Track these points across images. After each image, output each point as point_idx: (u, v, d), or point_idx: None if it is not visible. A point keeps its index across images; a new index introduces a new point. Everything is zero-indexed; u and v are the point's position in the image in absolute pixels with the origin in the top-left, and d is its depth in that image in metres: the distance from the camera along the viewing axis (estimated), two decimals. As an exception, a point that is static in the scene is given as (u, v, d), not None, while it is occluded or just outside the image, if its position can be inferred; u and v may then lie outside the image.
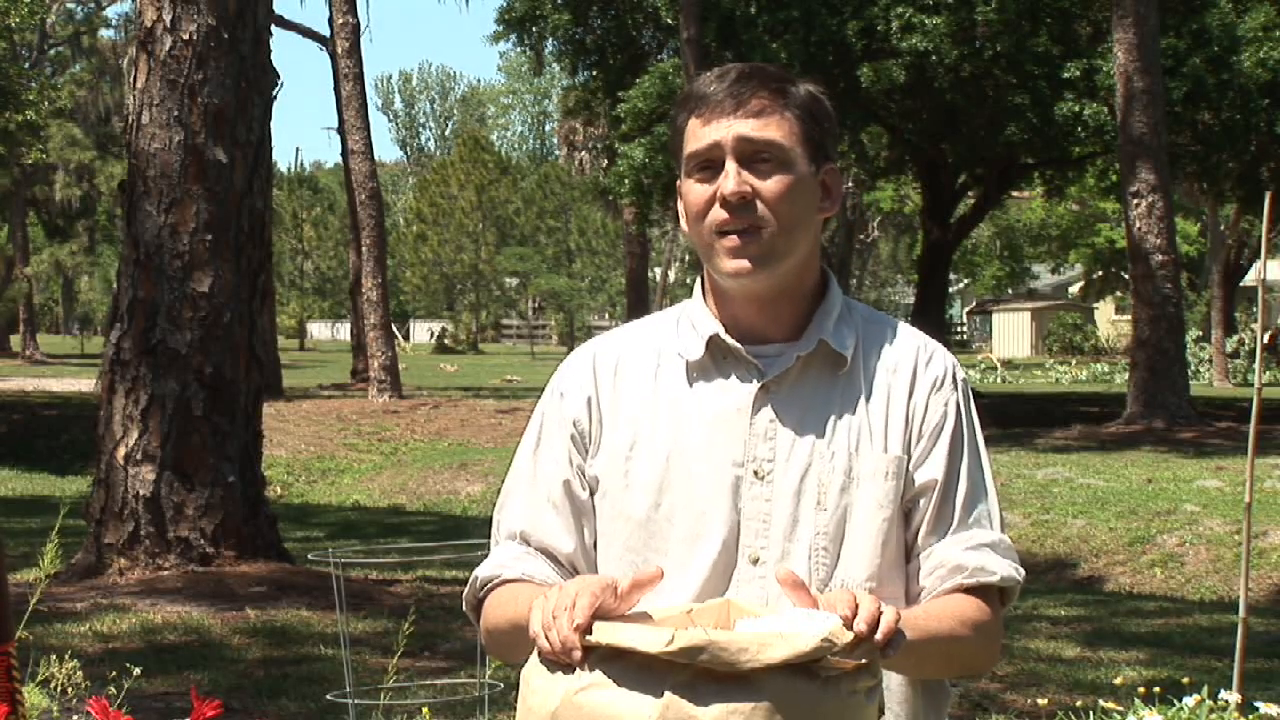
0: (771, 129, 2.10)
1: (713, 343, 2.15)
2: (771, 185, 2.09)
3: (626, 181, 25.34)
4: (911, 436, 2.15)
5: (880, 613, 1.80)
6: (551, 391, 2.24)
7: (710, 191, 2.10)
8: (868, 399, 2.14)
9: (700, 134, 2.12)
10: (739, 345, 2.14)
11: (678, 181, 2.21)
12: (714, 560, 2.10)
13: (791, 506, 2.10)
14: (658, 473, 2.13)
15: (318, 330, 77.56)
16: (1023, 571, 2.16)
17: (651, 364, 2.19)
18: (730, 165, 2.09)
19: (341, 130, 28.43)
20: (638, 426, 2.16)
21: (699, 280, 2.25)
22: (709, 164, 2.11)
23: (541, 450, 2.22)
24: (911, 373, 2.17)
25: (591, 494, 2.18)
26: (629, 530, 2.14)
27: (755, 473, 2.11)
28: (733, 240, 2.09)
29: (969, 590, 2.11)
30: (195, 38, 8.91)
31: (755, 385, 2.13)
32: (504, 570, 2.17)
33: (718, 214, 2.09)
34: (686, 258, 62.99)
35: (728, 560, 2.10)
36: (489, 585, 2.17)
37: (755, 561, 2.10)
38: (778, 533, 2.10)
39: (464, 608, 2.23)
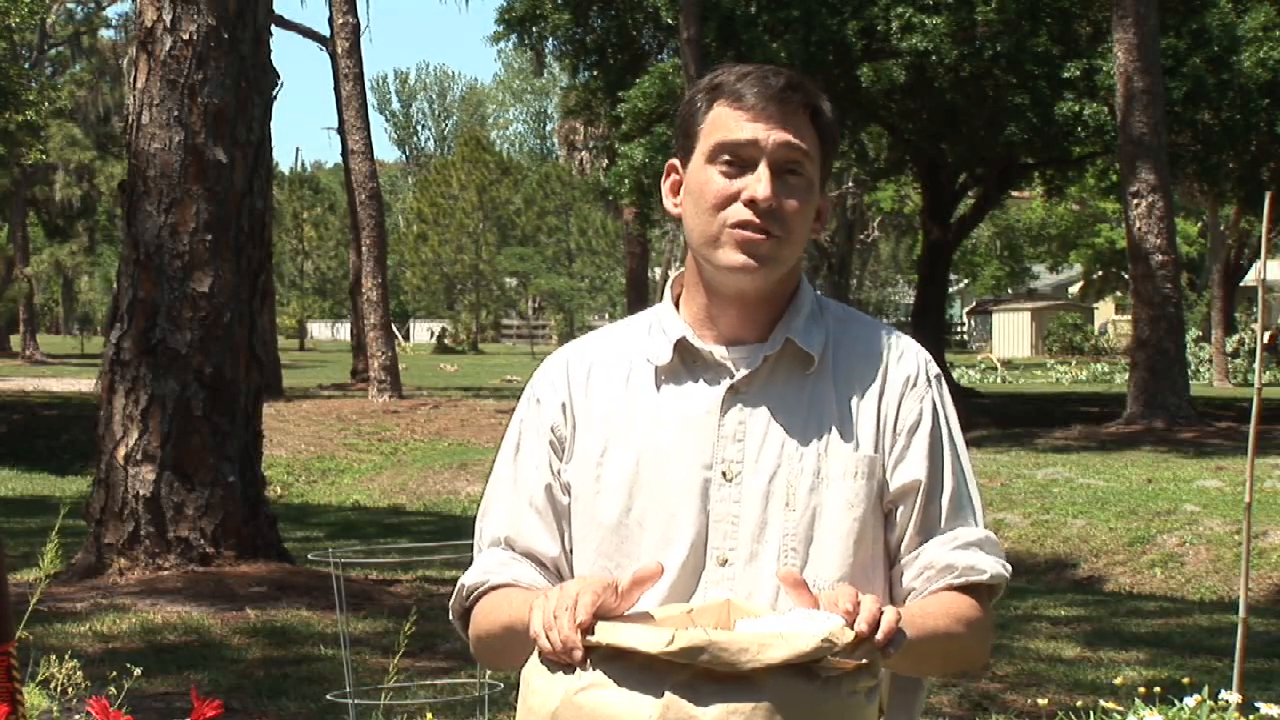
0: (807, 145, 2.11)
1: (680, 346, 2.16)
2: (794, 200, 2.10)
3: (626, 181, 25.34)
4: (885, 436, 2.14)
5: (881, 612, 1.80)
6: (528, 398, 2.25)
7: (734, 188, 2.09)
8: (838, 398, 2.14)
9: (738, 125, 2.10)
10: (706, 348, 2.15)
11: (674, 160, 2.19)
12: (683, 562, 2.10)
13: (760, 507, 2.10)
14: (628, 477, 2.14)
15: (318, 330, 77.57)
16: (1009, 567, 2.16)
17: (623, 369, 2.19)
18: (764, 170, 2.08)
19: (341, 130, 28.43)
20: (609, 432, 2.16)
21: (669, 284, 2.25)
22: (737, 158, 2.10)
23: (521, 456, 2.22)
24: (883, 371, 2.16)
25: (568, 498, 2.18)
26: (601, 535, 2.14)
27: (724, 474, 2.11)
28: (748, 235, 2.08)
29: (958, 589, 2.11)
30: (195, 38, 8.90)
31: (723, 387, 2.13)
32: (491, 576, 2.16)
33: (741, 213, 2.08)
34: (686, 257, 62.91)
35: (696, 562, 2.10)
36: (476, 592, 2.17)
37: (724, 563, 2.10)
38: (746, 534, 2.10)
39: (450, 617, 2.23)
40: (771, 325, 2.16)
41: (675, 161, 2.20)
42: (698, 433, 2.12)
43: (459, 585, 2.20)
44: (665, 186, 2.21)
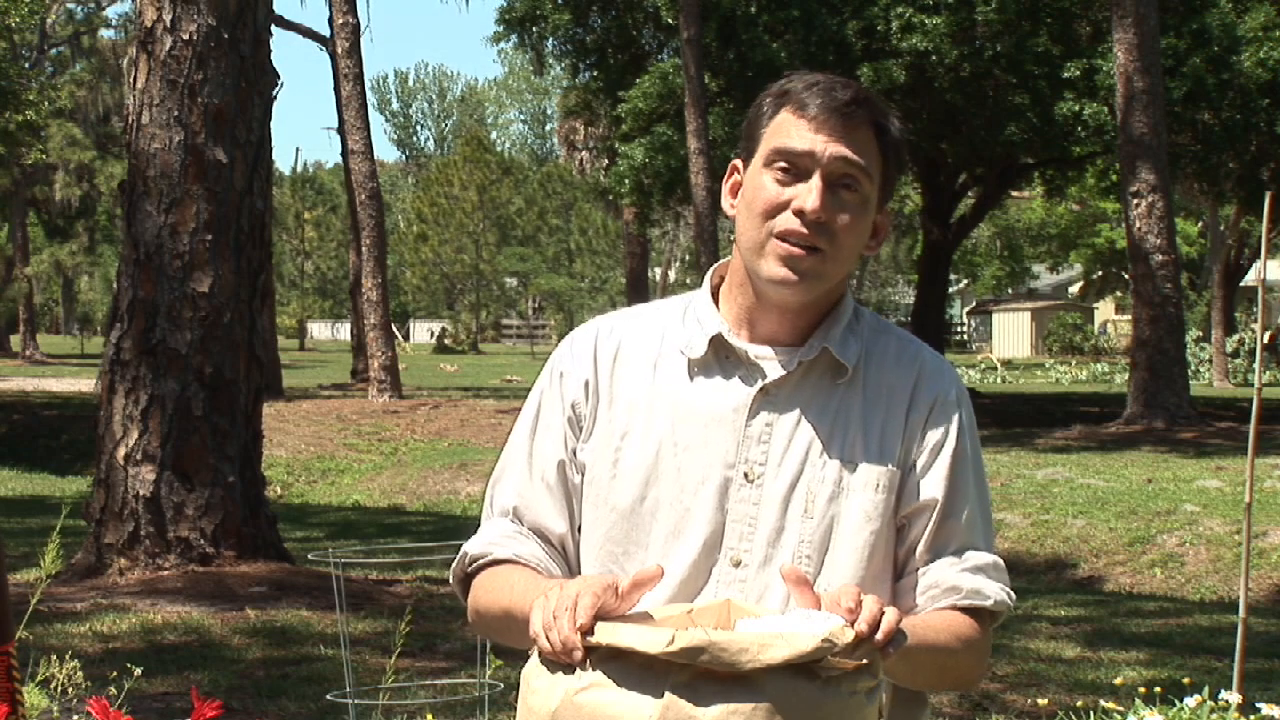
0: (866, 161, 2.10)
1: (716, 341, 2.15)
2: (845, 217, 2.09)
3: (626, 181, 25.33)
4: (909, 452, 2.14)
5: (882, 613, 1.80)
6: (551, 370, 2.24)
7: (786, 197, 2.09)
8: (866, 410, 2.14)
9: (798, 134, 2.09)
10: (742, 346, 2.14)
11: (737, 160, 2.19)
12: (694, 559, 2.10)
13: (779, 512, 2.10)
14: (647, 465, 2.13)
15: (318, 330, 77.57)
16: (1014, 596, 2.18)
17: (653, 354, 2.18)
18: (817, 182, 2.08)
19: (341, 130, 28.42)
20: (632, 416, 2.16)
21: (710, 273, 2.24)
22: (793, 167, 2.09)
23: (539, 429, 2.22)
24: (913, 387, 2.16)
25: (581, 478, 2.18)
26: (612, 520, 2.14)
27: (746, 475, 2.11)
28: (789, 249, 2.07)
29: (961, 610, 2.12)
30: (195, 38, 8.90)
31: (755, 387, 2.13)
32: (495, 549, 2.16)
33: (789, 222, 2.08)
34: (686, 257, 62.95)
35: (708, 560, 2.10)
36: (479, 563, 2.17)
37: (737, 564, 2.10)
38: (762, 537, 2.10)
39: (450, 581, 2.23)
40: (809, 331, 2.15)
41: (738, 162, 2.19)
42: (723, 430, 2.12)
43: (462, 551, 2.20)
44: (726, 186, 2.20)
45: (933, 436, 2.15)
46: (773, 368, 2.13)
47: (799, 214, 2.07)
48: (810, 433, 2.12)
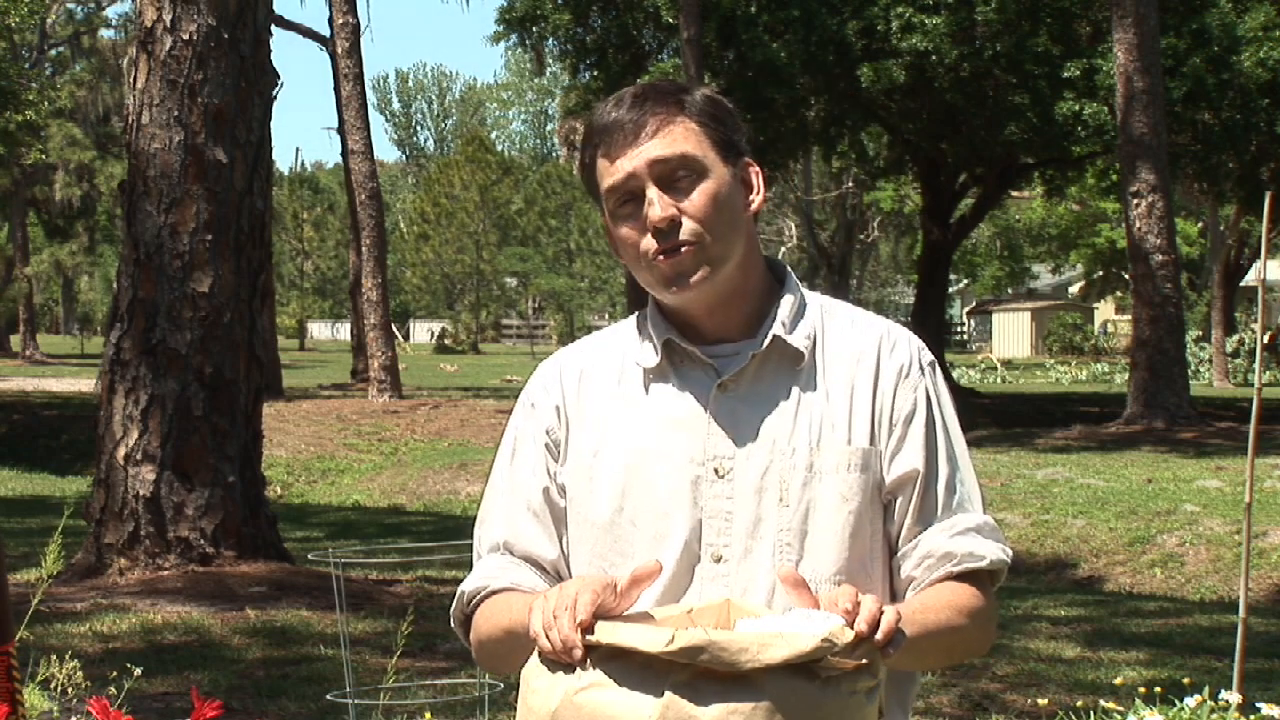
0: (679, 143, 2.10)
1: (668, 347, 2.16)
2: (695, 199, 2.10)
3: (626, 181, 25.29)
4: (880, 427, 2.13)
5: (881, 612, 1.80)
6: (523, 404, 2.26)
7: (638, 223, 2.11)
8: (829, 392, 2.14)
9: (613, 169, 2.12)
10: (693, 348, 2.15)
11: (602, 218, 2.21)
12: (677, 559, 2.10)
13: (754, 504, 2.10)
14: (620, 477, 2.14)
15: (318, 330, 77.55)
16: (1010, 551, 2.16)
17: (615, 371, 2.20)
18: (651, 192, 2.09)
19: (341, 130, 28.42)
20: (601, 432, 2.17)
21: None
22: (630, 196, 2.11)
23: (517, 461, 2.23)
24: (875, 362, 2.16)
25: (564, 500, 2.19)
26: (595, 535, 2.15)
27: (715, 471, 2.11)
28: (665, 260, 2.09)
29: (959, 577, 2.11)
30: (195, 38, 8.91)
31: (712, 385, 2.14)
32: (491, 581, 2.17)
33: (650, 242, 2.10)
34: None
35: (690, 559, 2.10)
36: (477, 598, 2.17)
37: (718, 560, 2.10)
38: (740, 530, 2.10)
39: (451, 624, 2.23)
40: (755, 320, 2.16)
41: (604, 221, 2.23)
42: (688, 431, 2.13)
43: (459, 592, 2.20)
44: (613, 243, 2.21)
45: (902, 407, 2.14)
46: (726, 364, 2.14)
47: (655, 231, 2.09)
48: (775, 422, 2.12)
